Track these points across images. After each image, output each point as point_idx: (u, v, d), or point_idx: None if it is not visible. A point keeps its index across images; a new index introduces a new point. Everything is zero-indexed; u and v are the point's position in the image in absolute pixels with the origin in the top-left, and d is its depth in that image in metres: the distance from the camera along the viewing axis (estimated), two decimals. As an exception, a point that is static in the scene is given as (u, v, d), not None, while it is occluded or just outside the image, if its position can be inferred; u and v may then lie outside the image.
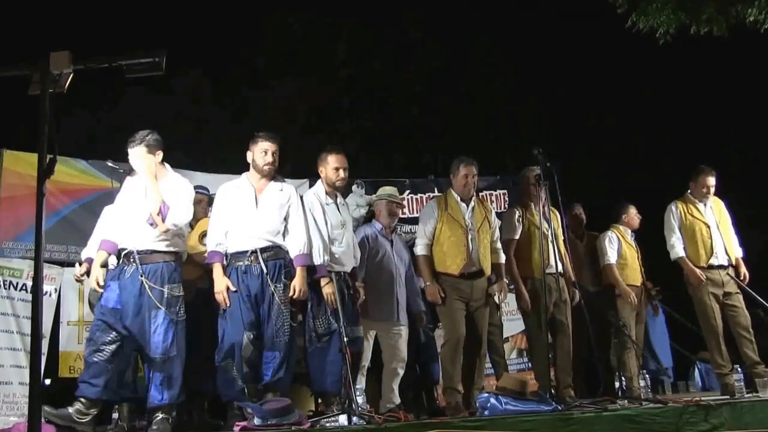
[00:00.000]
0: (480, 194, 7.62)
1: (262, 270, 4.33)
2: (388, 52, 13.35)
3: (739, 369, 5.26)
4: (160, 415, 4.06)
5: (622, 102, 12.12)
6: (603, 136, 12.43)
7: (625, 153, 12.53)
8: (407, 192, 7.49)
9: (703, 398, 4.66)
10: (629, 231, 6.32)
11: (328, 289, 4.50)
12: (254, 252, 4.35)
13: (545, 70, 12.58)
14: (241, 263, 4.36)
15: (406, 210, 7.42)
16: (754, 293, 5.79)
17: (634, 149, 12.51)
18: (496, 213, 7.44)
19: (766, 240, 9.08)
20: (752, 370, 5.42)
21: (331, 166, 4.79)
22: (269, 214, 4.44)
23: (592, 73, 12.14)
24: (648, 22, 6.98)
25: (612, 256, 6.10)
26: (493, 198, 7.77)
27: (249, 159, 4.57)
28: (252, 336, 4.28)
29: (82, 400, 3.99)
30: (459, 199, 5.21)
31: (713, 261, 5.68)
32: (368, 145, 12.37)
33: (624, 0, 7.09)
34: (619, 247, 6.15)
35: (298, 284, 4.38)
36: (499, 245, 5.31)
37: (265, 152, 4.49)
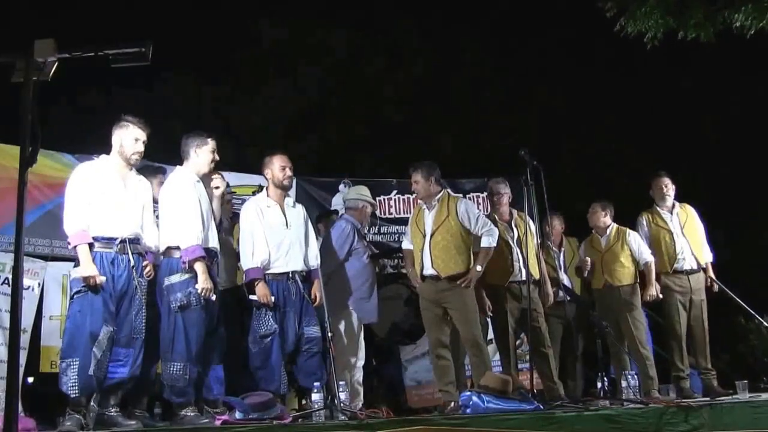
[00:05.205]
0: (465, 196, 7.67)
1: (129, 261, 4.07)
2: (378, 55, 13.39)
3: (695, 373, 5.55)
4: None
5: (610, 106, 12.20)
6: (589, 141, 12.50)
7: (611, 157, 12.61)
8: (394, 192, 7.49)
9: (683, 400, 4.69)
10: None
11: (260, 290, 4.52)
12: (123, 241, 4.06)
13: (533, 73, 12.66)
14: (109, 251, 4.03)
15: (393, 210, 7.45)
16: (740, 300, 5.93)
17: (620, 154, 12.58)
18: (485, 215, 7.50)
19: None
20: (704, 375, 5.77)
21: (278, 164, 4.80)
22: (135, 203, 4.20)
23: (580, 77, 12.23)
24: (636, 26, 7.05)
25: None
26: (480, 200, 7.77)
27: (116, 144, 4.16)
28: (110, 331, 3.95)
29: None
30: (423, 205, 5.25)
31: (677, 266, 5.85)
32: (356, 146, 12.39)
33: (613, 4, 7.15)
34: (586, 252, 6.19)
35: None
36: (482, 231, 5.04)
37: (136, 140, 4.19)
